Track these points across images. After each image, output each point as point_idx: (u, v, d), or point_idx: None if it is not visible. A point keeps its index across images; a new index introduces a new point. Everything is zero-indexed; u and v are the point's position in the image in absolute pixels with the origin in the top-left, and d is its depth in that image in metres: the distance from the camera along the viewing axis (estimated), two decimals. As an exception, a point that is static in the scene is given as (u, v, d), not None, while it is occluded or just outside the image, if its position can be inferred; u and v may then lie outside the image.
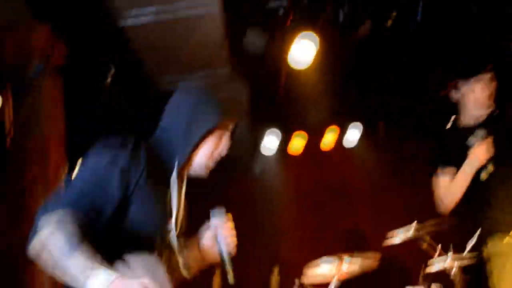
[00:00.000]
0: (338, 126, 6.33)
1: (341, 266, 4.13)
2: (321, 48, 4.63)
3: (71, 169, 1.89)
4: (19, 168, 3.62)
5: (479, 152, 2.93)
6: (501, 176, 3.00)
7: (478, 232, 4.41)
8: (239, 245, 2.14)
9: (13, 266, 3.36)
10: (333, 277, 4.12)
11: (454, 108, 3.29)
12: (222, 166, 2.06)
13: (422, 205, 6.09)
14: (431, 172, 3.26)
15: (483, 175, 3.01)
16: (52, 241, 1.62)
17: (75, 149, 2.47)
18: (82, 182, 1.80)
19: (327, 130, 6.36)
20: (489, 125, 3.08)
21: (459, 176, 3.05)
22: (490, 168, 2.98)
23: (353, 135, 6.33)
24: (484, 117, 3.13)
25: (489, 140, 2.96)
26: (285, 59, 4.73)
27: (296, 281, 4.43)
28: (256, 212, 6.26)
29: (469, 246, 4.38)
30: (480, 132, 3.04)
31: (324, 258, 4.21)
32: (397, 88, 5.75)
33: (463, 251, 4.34)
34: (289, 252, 6.09)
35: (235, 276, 1.95)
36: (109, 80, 4.21)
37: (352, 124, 6.30)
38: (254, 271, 5.93)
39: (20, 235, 3.31)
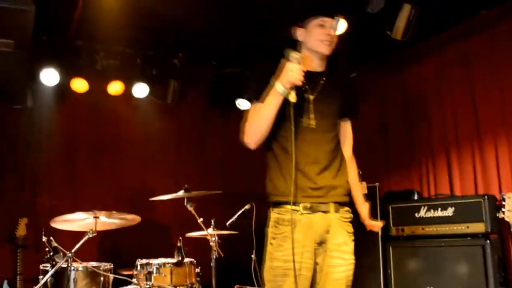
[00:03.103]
0: (124, 83, 6.00)
1: (95, 222, 3.95)
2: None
3: None
4: None
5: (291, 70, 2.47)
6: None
7: (244, 208, 4.54)
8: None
9: None
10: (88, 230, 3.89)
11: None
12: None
13: (193, 175, 6.13)
14: None
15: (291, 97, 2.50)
16: None
17: None
18: None
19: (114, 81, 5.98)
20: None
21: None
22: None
23: (142, 89, 6.04)
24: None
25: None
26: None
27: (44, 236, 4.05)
28: (19, 152, 5.61)
29: (230, 220, 4.52)
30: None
31: (78, 213, 3.94)
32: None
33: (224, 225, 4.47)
34: (44, 202, 5.54)
35: None
36: None
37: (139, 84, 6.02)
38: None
39: None
